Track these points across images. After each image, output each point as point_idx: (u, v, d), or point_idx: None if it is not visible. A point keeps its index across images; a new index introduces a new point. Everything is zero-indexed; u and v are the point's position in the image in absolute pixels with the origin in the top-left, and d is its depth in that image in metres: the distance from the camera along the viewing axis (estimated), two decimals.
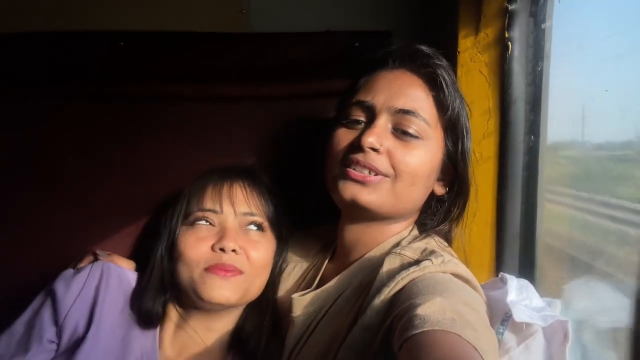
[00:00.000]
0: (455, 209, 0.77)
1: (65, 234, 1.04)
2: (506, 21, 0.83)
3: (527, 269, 0.83)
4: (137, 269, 0.93)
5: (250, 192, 0.86)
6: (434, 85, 0.74)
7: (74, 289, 0.82)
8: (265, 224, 0.86)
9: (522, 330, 0.64)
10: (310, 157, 0.98)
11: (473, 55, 0.87)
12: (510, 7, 0.83)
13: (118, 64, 1.13)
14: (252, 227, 0.85)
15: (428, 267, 0.65)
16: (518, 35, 0.83)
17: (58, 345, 0.80)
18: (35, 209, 1.05)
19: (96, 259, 0.90)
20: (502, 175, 0.85)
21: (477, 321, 0.56)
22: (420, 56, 0.76)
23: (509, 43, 0.83)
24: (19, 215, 1.05)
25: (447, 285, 0.62)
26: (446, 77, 0.74)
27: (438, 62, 0.75)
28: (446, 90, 0.73)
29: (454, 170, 0.76)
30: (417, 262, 0.68)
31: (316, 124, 1.07)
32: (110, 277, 0.86)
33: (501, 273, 0.73)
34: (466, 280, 0.67)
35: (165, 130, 1.09)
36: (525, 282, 0.71)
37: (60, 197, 1.06)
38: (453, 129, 0.75)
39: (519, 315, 0.63)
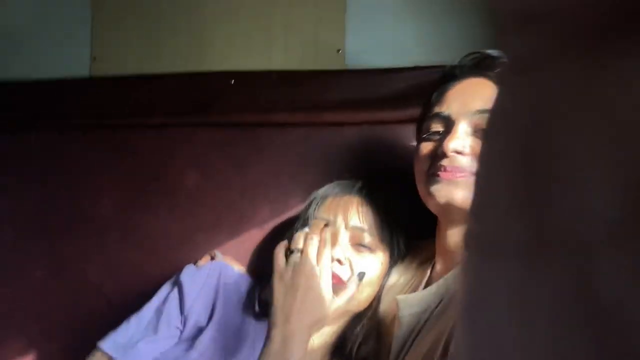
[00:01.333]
0: None
1: (179, 241, 1.17)
2: None
3: None
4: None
5: (366, 208, 0.90)
6: None
7: (198, 282, 0.91)
8: (375, 243, 0.89)
9: None
10: (402, 176, 1.04)
11: None
12: None
13: (232, 98, 1.29)
14: (362, 245, 0.88)
15: None
16: None
17: (181, 332, 0.88)
18: (155, 219, 1.19)
19: (212, 258, 1.00)
20: None
21: None
22: (484, 59, 0.80)
23: None
24: (142, 224, 1.19)
25: None
26: None
27: (503, 60, 0.78)
28: None
29: None
30: None
31: (406, 147, 1.15)
32: (228, 275, 0.95)
33: None
34: None
35: (275, 153, 1.21)
36: None
37: (177, 209, 1.19)
38: None
39: None
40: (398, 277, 0.93)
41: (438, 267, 0.85)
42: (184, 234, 1.17)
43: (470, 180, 0.75)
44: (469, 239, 0.21)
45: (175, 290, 0.93)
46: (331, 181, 1.14)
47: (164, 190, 1.20)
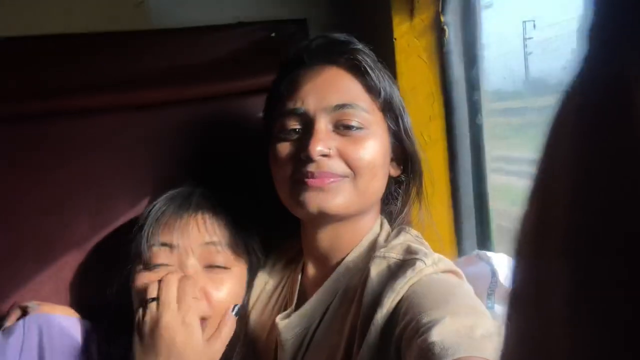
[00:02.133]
0: (413, 187, 0.78)
1: None
2: (440, 6, 0.85)
3: (484, 242, 0.89)
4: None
5: (210, 223, 0.78)
6: (359, 72, 0.72)
7: (12, 354, 0.69)
8: (229, 259, 0.78)
9: None
10: (244, 160, 0.93)
11: (410, 40, 0.88)
12: None
13: None
14: (215, 266, 0.77)
15: (423, 270, 0.64)
16: (452, 19, 0.86)
17: None
18: None
19: (25, 312, 0.77)
20: (451, 155, 0.88)
21: (487, 327, 0.55)
22: (336, 45, 0.73)
23: (445, 27, 0.86)
24: None
25: (447, 290, 0.62)
26: (368, 60, 0.72)
27: (355, 47, 0.73)
28: (372, 74, 0.72)
29: (403, 147, 0.76)
30: (404, 262, 0.67)
31: (245, 123, 1.02)
32: (52, 328, 0.75)
33: (477, 250, 0.77)
34: (455, 273, 0.68)
35: (76, 150, 0.94)
36: (503, 256, 0.75)
37: None
38: (390, 109, 0.74)
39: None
40: (264, 284, 0.85)
41: (310, 272, 0.80)
42: None
43: (341, 184, 0.70)
44: (523, 242, 0.21)
45: None
46: (164, 176, 0.96)
47: None
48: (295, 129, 0.72)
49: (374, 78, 0.71)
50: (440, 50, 0.86)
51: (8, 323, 0.76)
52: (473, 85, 0.86)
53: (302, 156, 0.69)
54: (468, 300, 0.61)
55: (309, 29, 1.11)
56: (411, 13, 0.86)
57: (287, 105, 0.72)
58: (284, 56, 0.81)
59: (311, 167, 0.68)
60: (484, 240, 0.88)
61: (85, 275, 0.92)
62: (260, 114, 0.82)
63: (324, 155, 0.68)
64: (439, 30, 0.86)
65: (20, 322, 0.75)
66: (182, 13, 1.08)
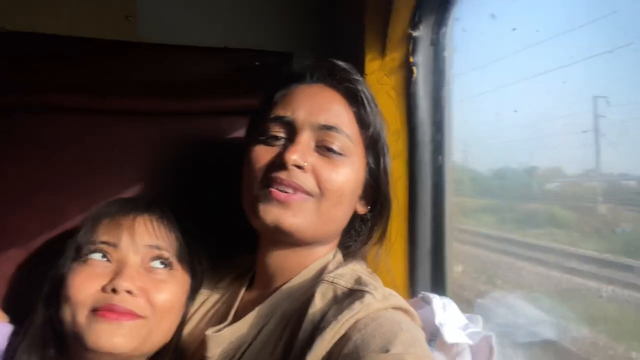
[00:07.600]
0: (378, 228, 0.77)
1: None
2: (410, 47, 0.87)
3: (438, 284, 0.86)
4: (13, 321, 0.78)
5: (157, 225, 0.76)
6: (355, 101, 0.73)
7: None
8: (174, 261, 0.76)
9: (450, 350, 0.65)
10: (211, 178, 0.92)
11: (380, 77, 0.89)
12: (414, 34, 0.87)
13: None
14: (158, 264, 0.74)
15: (372, 305, 0.62)
16: (422, 60, 0.87)
17: None
18: None
19: None
20: (412, 194, 0.88)
21: None
22: (339, 71, 0.75)
23: (414, 68, 0.87)
24: None
25: (395, 332, 0.58)
26: (366, 93, 0.74)
27: (357, 78, 0.74)
28: (367, 106, 0.73)
29: (376, 187, 0.75)
30: (353, 293, 0.65)
31: (217, 143, 1.02)
32: None
33: (422, 292, 0.75)
34: (406, 311, 0.66)
35: (41, 146, 0.94)
36: (447, 300, 0.73)
37: None
38: (374, 146, 0.74)
39: (450, 336, 0.64)
40: (205, 297, 0.83)
41: (254, 290, 0.78)
42: None
43: (304, 203, 0.68)
44: None
45: None
46: (122, 182, 0.95)
47: None
48: (277, 136, 0.72)
49: (368, 111, 0.72)
50: (408, 90, 0.87)
51: None
52: (438, 126, 0.86)
53: (276, 161, 0.69)
54: (417, 348, 0.57)
55: (293, 63, 1.13)
56: (383, 51, 0.88)
57: (277, 111, 0.72)
58: (266, 85, 0.80)
59: (282, 174, 0.68)
60: (437, 284, 0.85)
61: (28, 268, 0.89)
62: (234, 135, 0.82)
63: (298, 167, 0.68)
64: (408, 70, 0.87)
65: None
66: (170, 31, 1.11)
